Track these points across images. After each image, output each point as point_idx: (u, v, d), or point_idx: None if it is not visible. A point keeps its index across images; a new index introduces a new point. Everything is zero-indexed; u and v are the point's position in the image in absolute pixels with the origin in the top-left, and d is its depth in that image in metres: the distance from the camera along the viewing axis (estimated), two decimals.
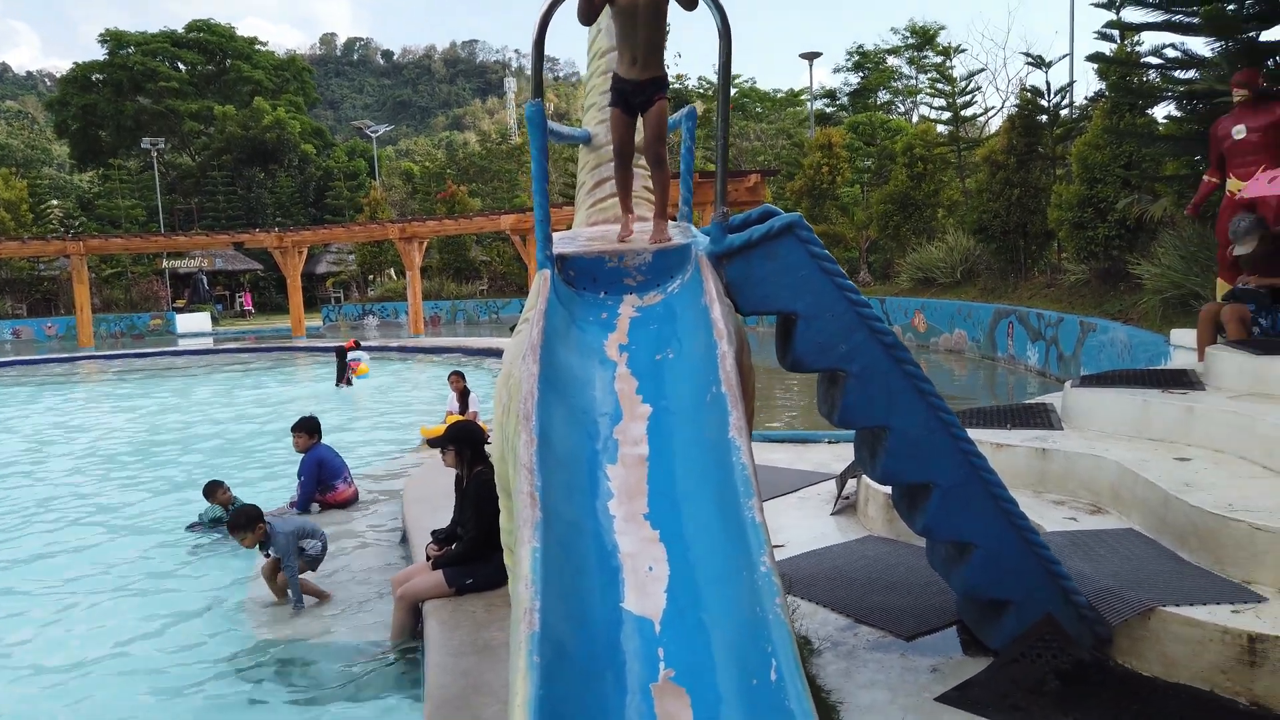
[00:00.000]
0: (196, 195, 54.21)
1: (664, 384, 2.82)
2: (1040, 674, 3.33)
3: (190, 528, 7.59)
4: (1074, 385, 6.03)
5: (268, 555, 5.85)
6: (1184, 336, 7.70)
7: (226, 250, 45.99)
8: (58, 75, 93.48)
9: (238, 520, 5.80)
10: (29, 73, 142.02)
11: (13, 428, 14.26)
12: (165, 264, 45.53)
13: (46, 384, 20.82)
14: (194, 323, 38.02)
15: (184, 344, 31.36)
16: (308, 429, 7.96)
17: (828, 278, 3.26)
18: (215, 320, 40.29)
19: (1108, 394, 5.65)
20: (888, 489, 4.37)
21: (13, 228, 38.73)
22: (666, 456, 2.60)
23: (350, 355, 17.54)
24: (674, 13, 3.26)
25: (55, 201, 50.20)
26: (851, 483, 6.04)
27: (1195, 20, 8.61)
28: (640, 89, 3.29)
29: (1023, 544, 3.42)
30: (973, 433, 4.83)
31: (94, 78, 56.43)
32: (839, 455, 7.25)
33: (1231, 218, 6.98)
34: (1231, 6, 8.29)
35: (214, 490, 7.51)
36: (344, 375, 17.17)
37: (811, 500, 6.26)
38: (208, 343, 31.67)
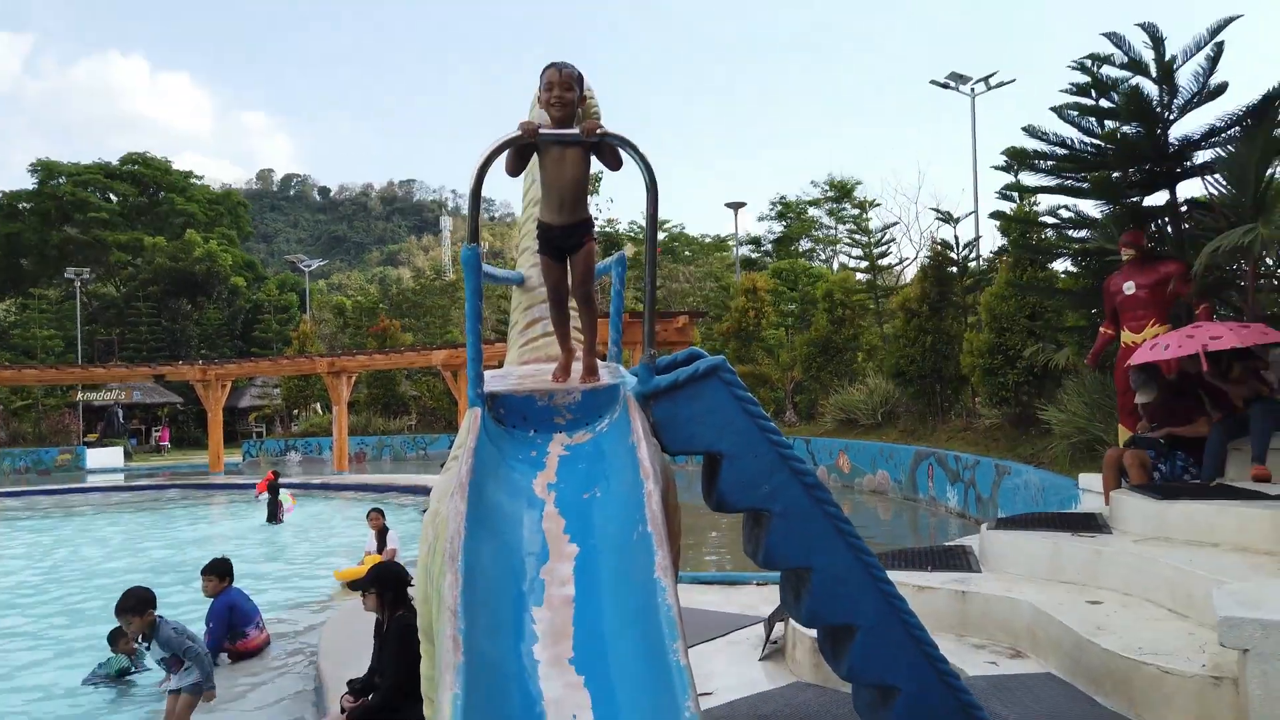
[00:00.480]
0: (119, 326, 53.02)
1: (591, 523, 2.84)
2: None
3: (88, 679, 7.09)
4: (990, 528, 6.20)
5: (136, 652, 5.56)
6: (1091, 480, 8.01)
7: (146, 383, 44.78)
8: None
9: (127, 602, 5.49)
10: None
11: None
12: (80, 396, 44.01)
13: None
14: (105, 458, 36.46)
15: (93, 480, 29.99)
16: (218, 572, 7.62)
17: (750, 419, 3.37)
18: (128, 455, 38.75)
19: (1022, 537, 5.83)
20: (815, 633, 4.39)
21: None
22: (593, 597, 2.60)
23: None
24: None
25: None
26: (779, 626, 6.02)
27: (1084, 185, 9.39)
28: (567, 233, 3.42)
29: (945, 688, 3.45)
30: (895, 574, 4.92)
31: (21, 206, 55.74)
32: (767, 598, 7.23)
33: (1126, 368, 7.44)
34: (1116, 174, 9.07)
35: (118, 638, 7.05)
36: (276, 512, 16.63)
37: (740, 644, 6.20)
38: (118, 479, 30.35)
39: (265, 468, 29.84)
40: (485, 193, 3.23)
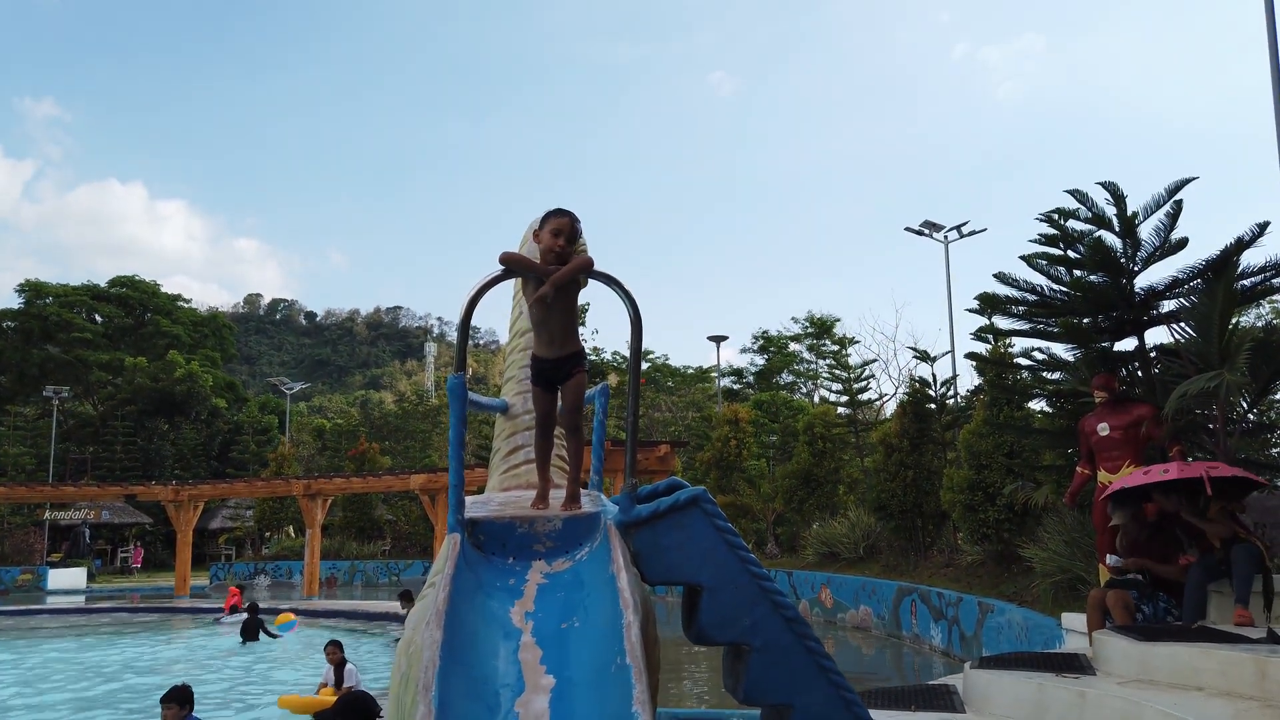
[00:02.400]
0: (94, 445, 52.24)
1: (568, 654, 2.81)
2: None
3: None
4: (973, 667, 6.11)
5: None
6: (1074, 620, 7.95)
7: (116, 503, 43.82)
8: None
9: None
10: None
11: None
12: (47, 515, 42.97)
13: None
14: (68, 579, 35.32)
15: (52, 602, 28.96)
16: (179, 700, 7.34)
17: (731, 551, 3.38)
18: (92, 576, 37.57)
19: (1005, 677, 5.74)
20: None
21: None
22: None
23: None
24: (594, 291, 3.57)
25: None
26: None
27: (1056, 329, 9.70)
28: (559, 366, 3.52)
29: None
30: (878, 714, 4.82)
31: (5, 325, 55.75)
32: None
33: (1102, 500, 7.51)
34: (1085, 320, 9.39)
35: None
36: (256, 630, 16.87)
37: None
38: (79, 601, 29.32)
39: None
40: (472, 322, 3.33)
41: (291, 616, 18.57)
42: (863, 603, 17.15)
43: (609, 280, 3.31)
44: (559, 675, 2.74)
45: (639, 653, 2.62)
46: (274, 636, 17.35)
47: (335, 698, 9.20)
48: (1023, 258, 9.70)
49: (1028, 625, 10.43)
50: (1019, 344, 13.63)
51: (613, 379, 36.15)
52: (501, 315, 5.08)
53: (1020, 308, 9.84)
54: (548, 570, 3.23)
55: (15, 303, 56.95)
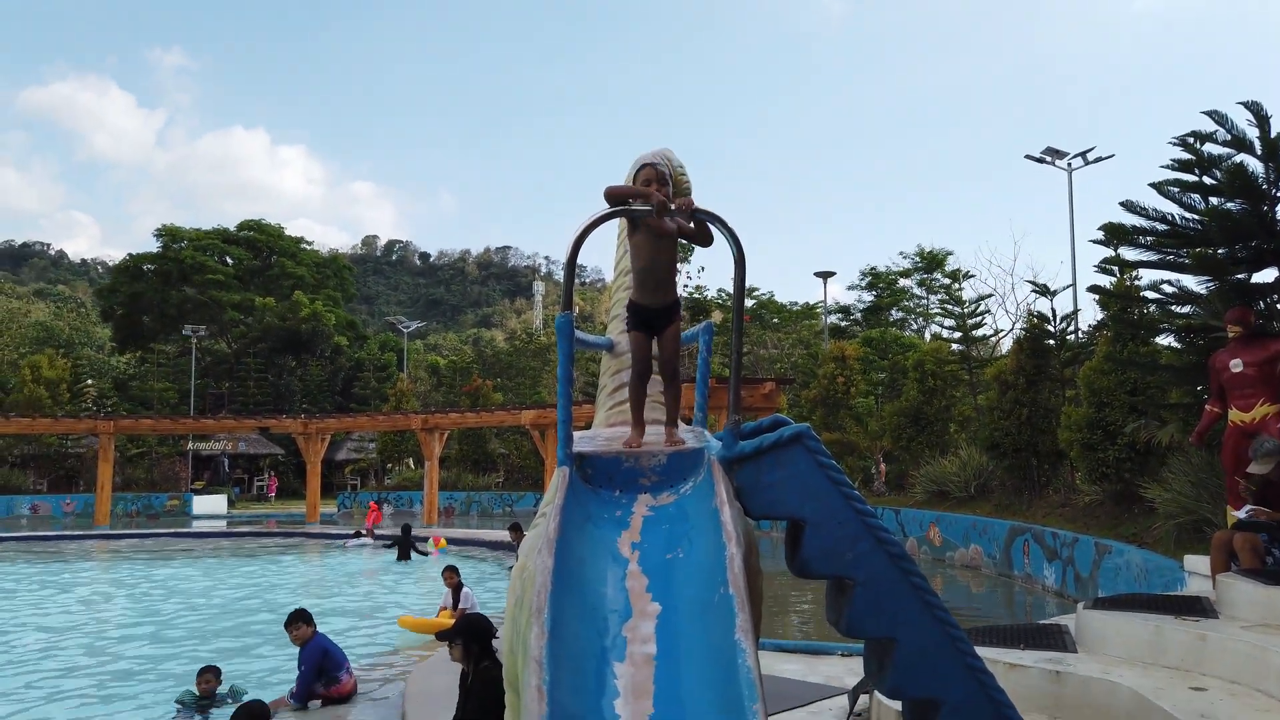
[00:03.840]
0: (229, 380, 55.50)
1: (673, 583, 2.90)
2: None
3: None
4: (1086, 607, 5.99)
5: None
6: (1197, 563, 7.66)
7: (251, 434, 46.65)
8: (110, 264, 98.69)
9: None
10: (84, 260, 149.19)
11: (10, 605, 14.11)
12: (190, 445, 46.14)
13: (53, 562, 20.70)
14: (210, 505, 38.06)
15: (198, 526, 31.28)
16: (305, 619, 7.89)
17: (835, 486, 3.39)
18: (231, 503, 40.33)
19: (1121, 618, 5.61)
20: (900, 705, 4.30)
21: (49, 405, 39.61)
22: (673, 657, 2.65)
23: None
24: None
25: (91, 381, 51.50)
26: (864, 698, 5.90)
27: (1187, 261, 9.15)
28: (659, 314, 3.58)
29: None
30: (985, 651, 4.80)
31: (145, 268, 59.33)
32: (851, 669, 7.09)
33: (1252, 441, 7.07)
34: (1222, 251, 8.82)
35: (201, 675, 7.57)
36: (407, 550, 19.10)
37: (823, 716, 6.09)
38: (221, 525, 31.59)
39: (358, 519, 30.68)
40: (578, 261, 3.40)
41: (444, 543, 20.92)
42: (973, 541, 16.88)
43: (712, 218, 3.32)
44: (664, 603, 2.84)
45: (742, 584, 2.68)
46: (425, 554, 19.56)
47: (453, 619, 9.74)
48: (1153, 185, 9.15)
49: (1147, 567, 10.10)
50: (1146, 277, 12.95)
51: (716, 316, 36.01)
52: (607, 254, 5.12)
53: (1149, 238, 9.32)
54: (653, 503, 3.32)
55: (154, 247, 60.50)
